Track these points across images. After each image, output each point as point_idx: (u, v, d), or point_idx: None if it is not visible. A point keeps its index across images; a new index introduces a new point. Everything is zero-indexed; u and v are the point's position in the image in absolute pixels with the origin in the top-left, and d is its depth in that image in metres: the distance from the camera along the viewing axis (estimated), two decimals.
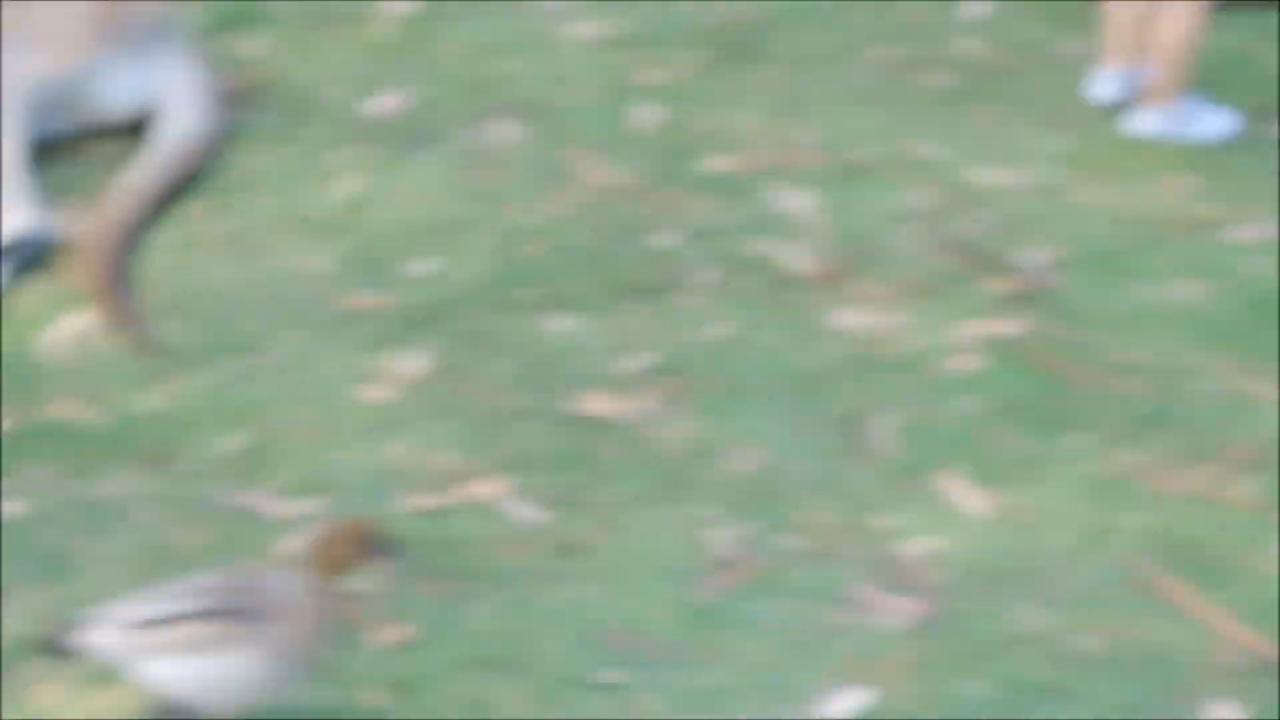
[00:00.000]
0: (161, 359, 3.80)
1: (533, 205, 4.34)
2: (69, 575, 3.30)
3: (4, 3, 4.27)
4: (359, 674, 3.11)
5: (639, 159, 4.53)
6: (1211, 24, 4.80)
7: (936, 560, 3.41)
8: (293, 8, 5.07)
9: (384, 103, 4.69)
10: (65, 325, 3.89)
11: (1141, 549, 3.46)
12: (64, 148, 4.30)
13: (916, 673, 3.18)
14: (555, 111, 4.70)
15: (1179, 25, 4.75)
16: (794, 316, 4.01)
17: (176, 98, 4.37)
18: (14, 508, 3.43)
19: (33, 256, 4.00)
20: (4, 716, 3.04)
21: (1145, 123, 4.79)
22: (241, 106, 4.56)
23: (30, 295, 3.96)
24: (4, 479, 3.48)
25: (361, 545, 2.91)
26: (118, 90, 4.34)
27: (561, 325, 3.97)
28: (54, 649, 2.90)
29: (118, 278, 3.96)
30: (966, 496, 3.57)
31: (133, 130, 4.39)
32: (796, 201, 4.40)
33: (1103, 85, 4.84)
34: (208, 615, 2.87)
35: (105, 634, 2.88)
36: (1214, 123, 4.79)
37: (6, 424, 3.62)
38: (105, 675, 3.00)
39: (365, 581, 2.97)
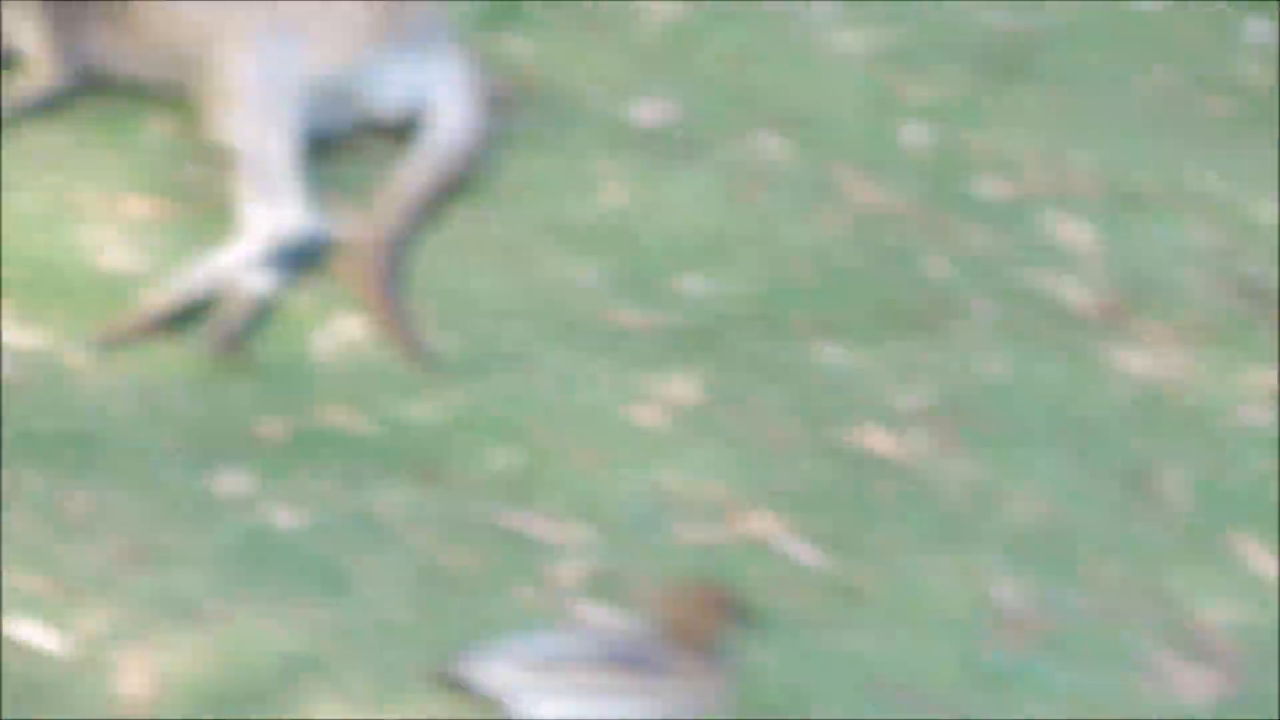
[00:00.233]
0: (431, 368, 3.76)
1: (800, 225, 4.25)
2: (341, 591, 3.28)
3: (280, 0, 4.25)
4: None
5: (907, 179, 4.42)
6: None
7: (1235, 630, 3.29)
8: (553, 7, 5.01)
9: (647, 110, 4.62)
10: (336, 329, 3.87)
11: None
12: (334, 146, 4.28)
13: None
14: (819, 125, 4.60)
15: None
16: (1075, 356, 3.89)
17: (446, 98, 4.33)
18: (289, 518, 3.42)
19: (304, 256, 3.98)
20: None
21: None
22: (506, 109, 4.51)
23: (302, 296, 3.94)
24: (281, 487, 3.47)
25: (724, 617, 2.89)
26: (390, 88, 4.30)
27: (833, 354, 3.88)
28: (445, 680, 2.88)
29: (389, 283, 3.93)
30: (1265, 562, 3.44)
31: (400, 129, 4.36)
32: (1074, 231, 4.27)
33: None
34: (611, 663, 2.84)
35: (499, 669, 2.85)
36: None
37: (280, 429, 3.61)
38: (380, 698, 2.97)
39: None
